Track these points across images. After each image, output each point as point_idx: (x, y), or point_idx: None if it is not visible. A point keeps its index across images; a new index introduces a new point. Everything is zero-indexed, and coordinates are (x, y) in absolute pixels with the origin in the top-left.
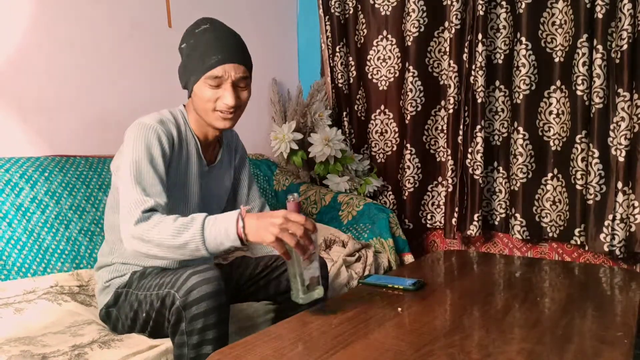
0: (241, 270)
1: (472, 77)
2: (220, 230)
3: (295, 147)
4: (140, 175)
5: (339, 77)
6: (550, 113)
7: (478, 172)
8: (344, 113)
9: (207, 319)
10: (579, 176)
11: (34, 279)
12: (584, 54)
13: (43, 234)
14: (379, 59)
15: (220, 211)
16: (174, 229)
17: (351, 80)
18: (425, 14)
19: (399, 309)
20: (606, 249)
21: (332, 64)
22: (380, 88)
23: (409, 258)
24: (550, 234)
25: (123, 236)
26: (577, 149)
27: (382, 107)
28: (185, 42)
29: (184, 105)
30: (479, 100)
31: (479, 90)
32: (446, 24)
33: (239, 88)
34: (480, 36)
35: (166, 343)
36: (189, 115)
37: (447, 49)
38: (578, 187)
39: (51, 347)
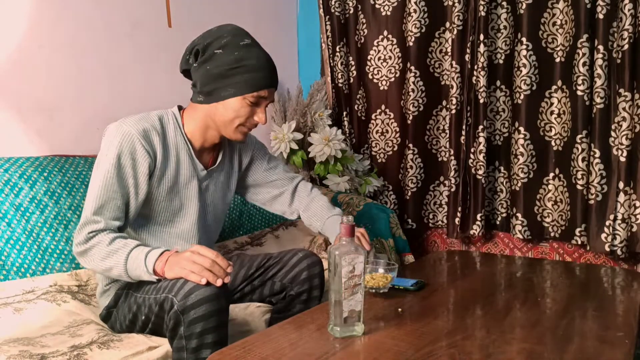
0: (236, 269)
1: (474, 78)
2: (140, 264)
3: (295, 147)
4: (104, 190)
5: (339, 76)
6: (552, 113)
7: (480, 172)
8: (344, 113)
9: (206, 323)
10: (580, 176)
11: (32, 279)
12: (584, 54)
13: (42, 234)
14: (379, 59)
15: (220, 220)
16: (104, 252)
17: (351, 80)
18: (426, 15)
19: (400, 309)
20: (607, 249)
21: (332, 64)
22: (381, 88)
23: (409, 258)
24: (552, 234)
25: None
26: (578, 148)
27: (383, 107)
28: (223, 50)
29: (180, 108)
30: (481, 101)
31: (481, 90)
32: (447, 24)
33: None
34: (481, 37)
35: (166, 345)
36: (185, 119)
37: (449, 50)
38: (579, 187)
39: (50, 348)
